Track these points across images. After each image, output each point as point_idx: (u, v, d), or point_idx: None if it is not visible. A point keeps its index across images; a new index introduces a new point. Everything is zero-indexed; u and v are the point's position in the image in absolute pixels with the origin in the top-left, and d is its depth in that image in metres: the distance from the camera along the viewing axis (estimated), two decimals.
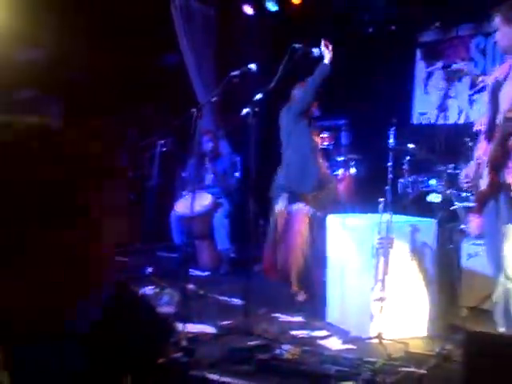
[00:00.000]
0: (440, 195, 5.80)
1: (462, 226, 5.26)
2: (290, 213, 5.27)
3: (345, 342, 4.10)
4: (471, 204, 5.29)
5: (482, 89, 6.92)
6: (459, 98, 7.12)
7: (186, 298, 4.50)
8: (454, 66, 6.81)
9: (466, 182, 3.76)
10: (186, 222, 6.16)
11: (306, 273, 5.20)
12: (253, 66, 4.34)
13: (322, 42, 5.08)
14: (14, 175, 1.02)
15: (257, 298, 4.57)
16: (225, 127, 6.85)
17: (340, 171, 6.68)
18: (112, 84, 7.13)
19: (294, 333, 4.33)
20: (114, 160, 1.10)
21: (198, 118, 4.13)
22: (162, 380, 2.76)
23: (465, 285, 4.87)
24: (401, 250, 4.28)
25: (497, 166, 3.52)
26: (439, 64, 7.34)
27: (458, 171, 5.66)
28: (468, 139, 5.61)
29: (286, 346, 3.85)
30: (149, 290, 5.23)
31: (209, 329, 4.29)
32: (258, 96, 4.26)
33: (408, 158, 6.29)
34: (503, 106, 3.48)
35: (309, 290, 5.20)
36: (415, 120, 7.62)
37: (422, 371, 3.54)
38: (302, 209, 5.22)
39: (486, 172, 3.59)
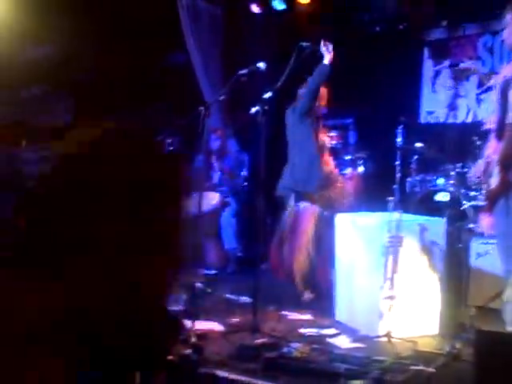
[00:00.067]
0: (448, 194, 5.78)
1: (471, 225, 5.24)
2: (297, 212, 5.26)
3: (354, 341, 4.10)
4: (480, 203, 5.27)
5: (490, 88, 6.90)
6: (467, 97, 7.10)
7: (194, 296, 4.50)
8: (462, 65, 6.79)
9: (477, 177, 3.75)
10: (193, 221, 6.15)
11: (311, 272, 5.19)
12: (261, 65, 4.33)
13: (322, 42, 5.06)
14: (96, 175, 1.01)
15: (265, 296, 4.56)
16: (232, 125, 6.84)
17: (348, 170, 6.66)
18: (119, 82, 7.14)
19: (302, 331, 4.32)
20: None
21: (206, 117, 4.12)
22: (171, 377, 2.76)
23: (473, 284, 4.85)
24: (410, 248, 4.27)
25: (507, 165, 3.51)
26: (447, 63, 7.32)
27: (466, 170, 5.65)
28: (476, 138, 5.60)
29: (294, 344, 3.84)
30: None
31: (217, 326, 4.29)
32: (268, 94, 4.26)
33: (416, 156, 6.28)
34: None
35: (315, 289, 5.19)
36: (423, 119, 7.60)
37: (431, 370, 3.53)
38: (308, 208, 5.21)
39: (496, 171, 3.58)
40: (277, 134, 5.38)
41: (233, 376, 3.32)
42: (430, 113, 7.51)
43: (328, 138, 5.62)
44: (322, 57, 5.05)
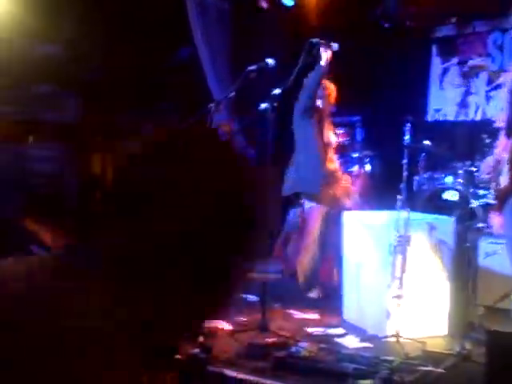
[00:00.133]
0: (456, 192, 5.75)
1: (480, 225, 5.21)
2: (304, 212, 5.23)
3: (362, 340, 4.08)
4: (489, 201, 5.25)
5: (499, 85, 6.86)
6: (477, 95, 7.06)
7: None
8: (472, 62, 6.75)
9: (487, 173, 3.72)
10: None
11: (315, 272, 5.17)
12: (270, 61, 4.30)
13: (322, 44, 5.00)
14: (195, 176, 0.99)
15: (271, 295, 4.54)
16: (240, 122, 6.81)
17: (355, 168, 6.63)
18: (126, 81, 7.13)
19: (310, 330, 4.31)
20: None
21: (216, 113, 4.10)
22: (180, 376, 2.75)
23: (482, 283, 4.82)
24: (418, 247, 4.24)
25: None
26: (455, 60, 7.28)
27: (474, 168, 5.62)
28: (485, 136, 5.57)
29: (302, 344, 3.83)
30: None
31: (225, 325, 4.27)
32: (277, 90, 4.22)
33: (423, 154, 6.24)
34: None
35: (320, 288, 5.17)
36: (430, 117, 7.56)
37: (440, 370, 3.51)
38: (315, 208, 5.18)
39: (506, 169, 3.55)
40: (286, 130, 5.35)
41: (241, 375, 3.31)
42: (438, 110, 7.48)
43: (335, 136, 5.58)
44: (319, 57, 4.98)
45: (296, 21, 6.54)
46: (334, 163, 5.31)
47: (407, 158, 4.47)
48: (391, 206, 4.33)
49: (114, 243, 0.97)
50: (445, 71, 7.44)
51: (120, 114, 7.39)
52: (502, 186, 3.60)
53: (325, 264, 5.21)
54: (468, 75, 6.93)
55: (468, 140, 5.99)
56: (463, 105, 6.82)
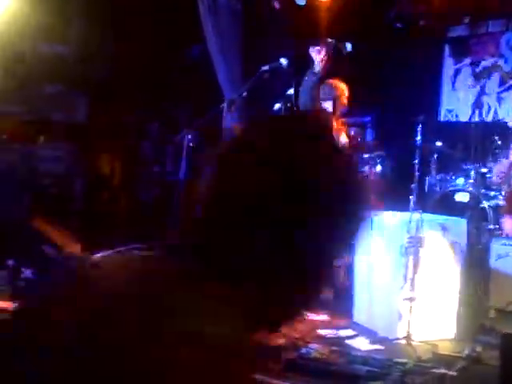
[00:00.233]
0: (468, 194, 5.71)
1: (491, 226, 5.17)
2: None
3: (372, 343, 4.06)
4: (500, 203, 5.21)
5: (511, 86, 6.82)
6: (489, 96, 7.01)
7: None
8: (484, 63, 6.71)
9: (502, 172, 3.69)
10: None
11: None
12: (283, 61, 4.29)
13: (311, 49, 4.95)
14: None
15: None
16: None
17: (365, 168, 6.59)
18: (136, 79, 7.14)
19: (320, 332, 4.29)
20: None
21: (230, 112, 4.09)
22: None
23: (493, 286, 4.79)
24: (430, 249, 4.21)
25: None
26: (467, 60, 7.23)
27: (486, 170, 5.58)
28: (497, 137, 5.53)
29: (313, 345, 3.81)
30: None
31: None
32: (291, 91, 4.21)
33: (435, 155, 6.19)
34: None
35: (332, 289, 5.15)
36: (443, 117, 7.52)
37: (452, 373, 3.48)
38: None
39: None
40: None
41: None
42: (450, 111, 7.43)
43: (346, 137, 5.54)
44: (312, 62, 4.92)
45: (308, 21, 6.51)
46: None
47: (419, 158, 4.45)
48: (403, 207, 4.31)
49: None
50: (457, 72, 7.40)
51: (128, 114, 7.41)
52: None
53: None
54: (480, 76, 6.88)
55: (480, 141, 5.93)
56: (477, 105, 6.77)
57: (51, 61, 6.65)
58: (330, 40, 4.67)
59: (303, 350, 3.72)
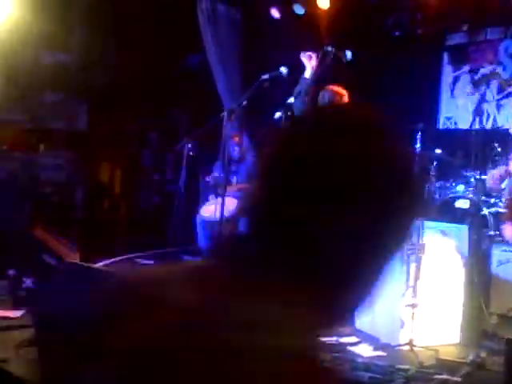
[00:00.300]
0: (468, 201, 5.72)
1: (492, 233, 5.18)
2: None
3: (375, 349, 4.05)
4: (500, 210, 5.22)
5: (510, 93, 6.85)
6: (488, 103, 7.04)
7: None
8: (483, 71, 6.74)
9: (494, 181, 3.70)
10: (212, 227, 6.13)
11: None
12: (283, 70, 4.30)
13: (303, 55, 4.95)
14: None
15: None
16: (251, 131, 6.81)
17: None
18: (137, 88, 7.16)
19: (322, 339, 4.27)
20: None
21: (230, 121, 4.11)
22: None
23: (495, 292, 4.80)
24: (432, 255, 4.22)
25: None
26: (466, 68, 7.27)
27: (486, 177, 5.59)
28: (497, 144, 5.55)
29: None
30: None
31: None
32: (291, 99, 4.23)
33: (435, 163, 6.21)
34: None
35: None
36: (442, 124, 7.54)
37: (456, 379, 3.48)
38: None
39: None
40: None
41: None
42: (449, 118, 7.46)
43: None
44: (304, 69, 4.91)
45: (308, 30, 6.55)
46: None
47: (418, 165, 4.46)
48: None
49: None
50: (456, 79, 7.43)
51: (129, 122, 7.43)
52: None
53: None
54: (479, 83, 6.91)
55: (479, 148, 5.95)
56: (478, 113, 6.79)
57: (53, 69, 6.68)
58: (329, 48, 4.67)
59: None
